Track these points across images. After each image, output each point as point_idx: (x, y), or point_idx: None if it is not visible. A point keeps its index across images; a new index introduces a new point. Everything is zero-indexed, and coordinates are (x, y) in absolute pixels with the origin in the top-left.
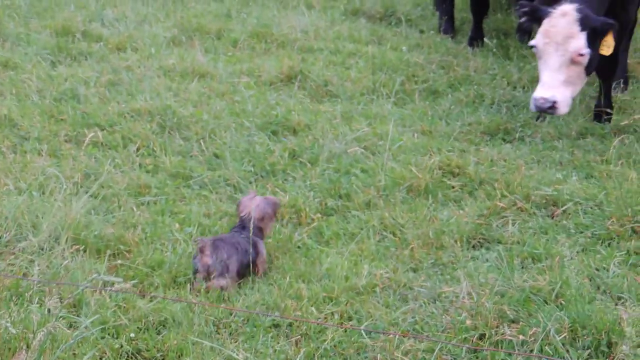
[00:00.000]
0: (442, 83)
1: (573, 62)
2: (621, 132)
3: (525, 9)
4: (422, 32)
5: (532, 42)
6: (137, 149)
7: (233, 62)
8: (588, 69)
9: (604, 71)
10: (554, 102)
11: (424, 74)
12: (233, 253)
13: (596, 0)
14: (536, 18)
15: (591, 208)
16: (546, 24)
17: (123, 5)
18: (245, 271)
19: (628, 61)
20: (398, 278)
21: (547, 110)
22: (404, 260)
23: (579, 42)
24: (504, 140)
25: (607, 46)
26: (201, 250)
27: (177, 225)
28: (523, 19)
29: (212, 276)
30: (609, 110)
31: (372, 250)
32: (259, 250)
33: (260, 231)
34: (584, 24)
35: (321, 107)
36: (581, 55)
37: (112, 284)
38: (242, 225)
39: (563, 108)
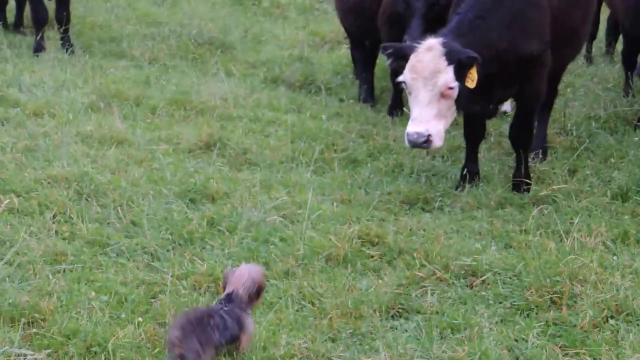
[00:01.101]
0: (362, 152)
1: (443, 95)
2: (540, 202)
3: (389, 50)
4: (341, 100)
5: (400, 78)
6: (54, 216)
7: (152, 129)
8: (458, 102)
9: (520, 141)
10: (428, 136)
11: (344, 143)
12: (208, 339)
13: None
14: (402, 56)
15: (510, 278)
16: (413, 59)
17: (41, 71)
18: (225, 348)
19: (547, 131)
20: (316, 348)
21: (422, 144)
22: (322, 330)
23: (447, 75)
24: (423, 209)
25: (472, 79)
26: (172, 343)
27: (93, 293)
28: (389, 61)
29: None
30: (527, 181)
31: (290, 320)
32: (245, 325)
33: (249, 301)
34: (450, 57)
35: (240, 175)
36: (450, 88)
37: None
38: (229, 299)
39: (437, 141)
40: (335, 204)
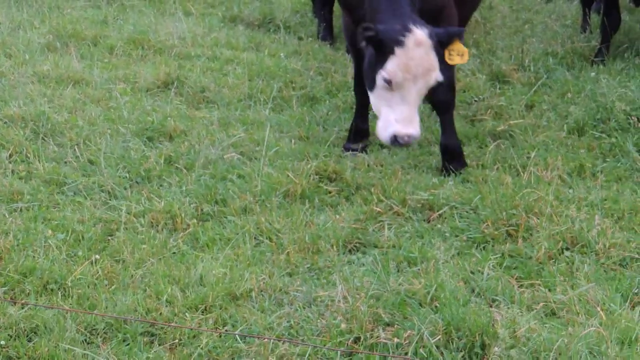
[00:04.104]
0: (320, 89)
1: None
2: (497, 137)
3: (370, 34)
4: (300, 39)
5: (385, 76)
6: (10, 156)
7: (109, 68)
8: None
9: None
10: (417, 137)
11: (302, 81)
12: None
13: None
14: (381, 45)
15: (467, 212)
16: (402, 56)
17: None
18: None
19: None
20: (274, 283)
21: (410, 145)
22: (280, 265)
23: (437, 72)
24: (380, 145)
25: (459, 54)
26: None
27: (50, 231)
28: (363, 44)
29: None
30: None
31: (247, 256)
32: None
33: None
34: (436, 47)
35: (198, 113)
36: (436, 82)
37: None
38: None
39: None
40: (293, 140)
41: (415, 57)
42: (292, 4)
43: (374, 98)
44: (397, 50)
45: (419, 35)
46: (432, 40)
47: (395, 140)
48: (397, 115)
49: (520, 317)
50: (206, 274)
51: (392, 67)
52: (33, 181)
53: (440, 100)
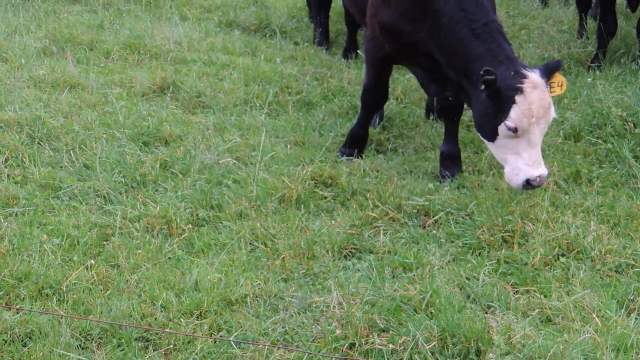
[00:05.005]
0: (316, 94)
1: None
2: None
3: (490, 77)
4: (296, 44)
5: (510, 125)
6: (6, 160)
7: (105, 73)
8: None
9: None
10: (546, 175)
11: (298, 86)
12: None
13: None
14: (496, 91)
15: (462, 218)
16: (524, 102)
17: None
18: None
19: None
20: (269, 288)
21: (541, 185)
22: (275, 271)
23: (554, 108)
24: (377, 151)
25: (559, 85)
26: None
27: (45, 236)
28: (482, 87)
29: None
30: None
31: (243, 261)
32: None
33: None
34: (549, 87)
35: (194, 118)
36: (554, 117)
37: None
38: None
39: None
40: (288, 146)
41: (535, 101)
42: (288, 9)
43: (496, 148)
44: (518, 98)
45: (534, 78)
46: (543, 79)
47: (528, 184)
48: (526, 160)
49: (515, 324)
50: (201, 279)
51: (515, 115)
52: (29, 186)
53: (452, 109)
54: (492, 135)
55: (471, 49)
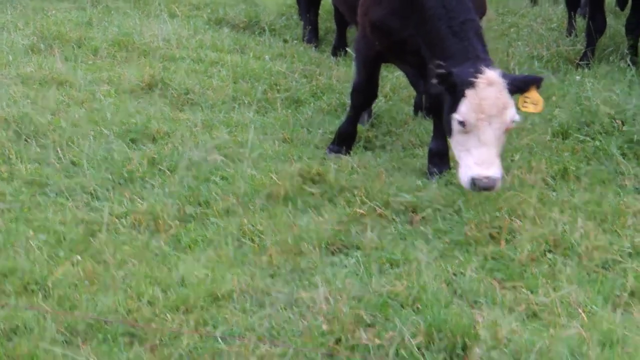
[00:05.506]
0: (305, 92)
1: (504, 131)
2: None
3: (442, 72)
4: (285, 41)
5: (458, 118)
6: None
7: (93, 70)
8: None
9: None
10: (497, 179)
11: (287, 83)
12: None
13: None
14: (451, 85)
15: (450, 214)
16: (474, 96)
17: None
18: None
19: None
20: (255, 284)
21: (490, 188)
22: (262, 267)
23: (512, 110)
24: (365, 148)
25: (533, 103)
26: None
27: (31, 232)
28: (435, 81)
29: None
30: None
31: (230, 257)
32: None
33: None
34: (510, 89)
35: (182, 115)
36: (513, 122)
37: None
38: None
39: (501, 183)
40: (277, 142)
41: (488, 97)
42: (277, 6)
43: (453, 145)
44: (467, 91)
45: (491, 75)
46: (504, 79)
47: (474, 184)
48: (475, 159)
49: (502, 319)
50: (188, 275)
51: (464, 108)
52: (15, 182)
53: (440, 106)
54: (449, 130)
55: (447, 45)
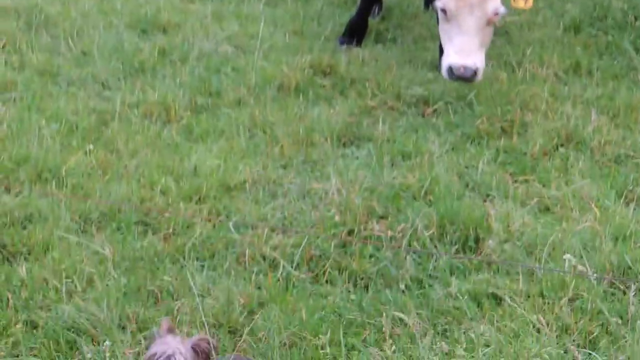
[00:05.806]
0: None
1: (488, 23)
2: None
3: None
4: None
5: (439, 4)
6: (3, 47)
7: None
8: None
9: None
10: (476, 70)
11: None
12: None
13: None
14: None
15: (461, 108)
16: None
17: None
18: None
19: None
20: (268, 174)
21: (468, 78)
22: (274, 157)
23: (496, 1)
24: (375, 41)
25: None
26: None
27: (43, 121)
28: None
29: None
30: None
31: (242, 147)
32: None
33: None
34: None
35: (192, 6)
36: (497, 14)
37: None
38: None
39: (481, 75)
40: (287, 35)
41: None
42: None
43: (440, 35)
44: None
45: None
46: None
47: (451, 72)
48: (455, 47)
49: (514, 212)
50: (200, 165)
51: None
52: (26, 72)
53: None
54: (436, 20)
55: None
